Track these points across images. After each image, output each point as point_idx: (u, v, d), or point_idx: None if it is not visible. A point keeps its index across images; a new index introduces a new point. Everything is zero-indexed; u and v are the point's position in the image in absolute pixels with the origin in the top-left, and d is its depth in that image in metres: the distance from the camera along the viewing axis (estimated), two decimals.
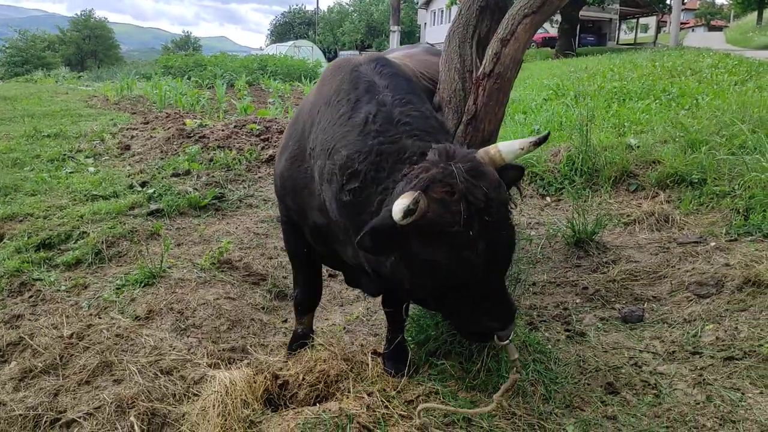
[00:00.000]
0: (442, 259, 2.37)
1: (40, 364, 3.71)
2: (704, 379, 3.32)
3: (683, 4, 46.22)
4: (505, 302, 2.61)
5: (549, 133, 2.69)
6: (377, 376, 3.30)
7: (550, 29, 40.76)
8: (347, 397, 3.09)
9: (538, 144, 2.52)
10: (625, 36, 56.95)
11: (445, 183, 2.32)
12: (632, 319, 4.15)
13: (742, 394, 3.14)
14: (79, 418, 3.22)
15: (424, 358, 3.57)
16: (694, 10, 78.94)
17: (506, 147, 2.51)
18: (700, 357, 3.55)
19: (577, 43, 38.47)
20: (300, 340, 3.66)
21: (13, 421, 3.29)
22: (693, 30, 70.07)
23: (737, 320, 3.82)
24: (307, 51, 46.80)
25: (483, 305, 2.56)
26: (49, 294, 4.65)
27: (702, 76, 11.71)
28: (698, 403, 3.13)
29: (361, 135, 2.74)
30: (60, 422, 3.25)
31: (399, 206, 2.21)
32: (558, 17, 36.47)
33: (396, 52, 4.84)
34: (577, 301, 4.58)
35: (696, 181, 5.88)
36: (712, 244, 4.93)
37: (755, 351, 3.41)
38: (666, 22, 51.47)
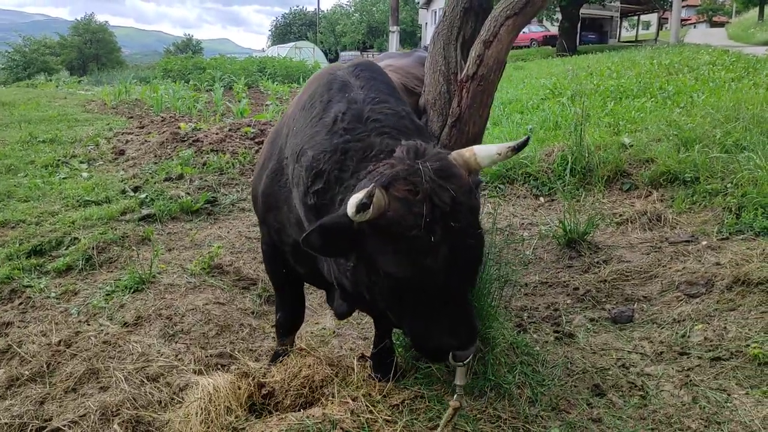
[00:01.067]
0: (399, 265, 2.18)
1: (27, 372, 3.70)
2: (691, 380, 3.30)
3: (684, 0, 46.17)
4: (467, 320, 2.36)
5: (528, 139, 2.46)
6: (363, 380, 3.28)
7: (551, 27, 40.69)
8: (332, 403, 3.07)
9: (516, 150, 2.33)
10: (627, 33, 56.87)
11: (409, 181, 2.14)
12: (622, 320, 4.14)
13: (728, 395, 3.12)
14: (64, 426, 3.21)
15: (410, 362, 3.56)
16: (696, 7, 78.74)
17: (482, 151, 2.33)
18: (687, 358, 3.54)
19: (578, 41, 38.40)
20: (280, 358, 3.49)
21: None
22: (695, 26, 69.94)
23: (726, 320, 3.80)
24: (308, 52, 46.79)
25: (441, 320, 2.33)
26: (39, 301, 4.65)
27: (699, 73, 11.68)
28: (684, 405, 3.11)
29: (329, 134, 2.61)
30: (45, 430, 3.25)
31: (353, 200, 2.04)
32: (558, 15, 36.43)
33: (388, 60, 4.82)
34: (568, 301, 4.56)
35: (689, 179, 5.86)
36: (704, 243, 4.91)
37: (742, 351, 3.40)
38: (668, 18, 51.36)
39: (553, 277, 4.98)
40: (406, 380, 3.37)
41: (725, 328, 3.72)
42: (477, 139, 3.49)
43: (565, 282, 4.84)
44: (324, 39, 73.74)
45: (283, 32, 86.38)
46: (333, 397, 3.11)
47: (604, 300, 4.48)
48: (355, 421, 2.93)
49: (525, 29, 41.76)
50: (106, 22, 77.50)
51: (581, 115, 6.73)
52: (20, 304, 4.65)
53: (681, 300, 4.23)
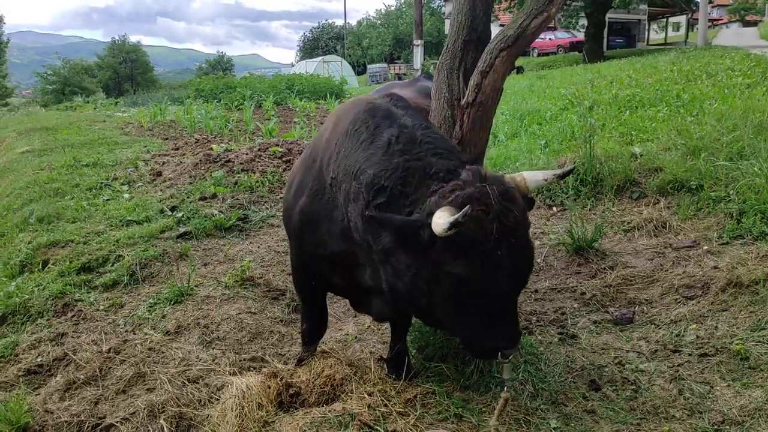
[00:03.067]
0: (470, 274, 2.53)
1: (82, 376, 4.15)
2: (680, 375, 3.61)
3: (711, 1, 45.68)
4: (515, 323, 2.82)
5: (573, 169, 2.96)
6: (379, 378, 3.64)
7: (578, 33, 40.60)
8: (351, 398, 3.44)
9: (562, 177, 2.80)
10: (656, 36, 56.27)
11: (482, 202, 2.49)
12: (623, 322, 4.44)
13: (711, 387, 3.42)
14: (117, 422, 3.64)
15: (423, 362, 3.92)
16: (727, 6, 77.43)
17: (531, 176, 2.78)
18: (679, 355, 3.83)
19: (605, 46, 38.22)
20: (304, 362, 3.86)
21: (60, 427, 3.73)
22: (727, 26, 68.84)
23: (718, 320, 4.09)
24: (336, 66, 47.31)
25: (495, 323, 2.73)
26: (90, 313, 5.12)
27: (717, 79, 11.83)
28: (671, 397, 3.42)
29: (386, 155, 2.91)
30: (100, 427, 3.68)
31: (443, 219, 2.40)
32: (584, 21, 36.37)
33: (393, 90, 5.21)
34: (575, 305, 4.87)
35: (694, 187, 6.11)
36: (705, 248, 5.18)
37: (727, 348, 3.68)
38: (698, 19, 50.85)
39: (562, 283, 5.29)
40: (419, 378, 3.73)
41: (716, 327, 4.01)
42: (478, 160, 3.85)
43: (573, 287, 5.15)
44: (351, 52, 74.48)
45: (311, 47, 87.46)
46: (352, 394, 3.48)
47: (608, 303, 4.78)
48: (371, 414, 3.29)
49: (551, 35, 41.83)
50: (140, 42, 79.57)
51: (591, 127, 7.00)
52: (73, 316, 5.12)
53: (679, 302, 4.52)
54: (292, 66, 64.04)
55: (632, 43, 45.81)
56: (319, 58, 54.16)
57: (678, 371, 3.64)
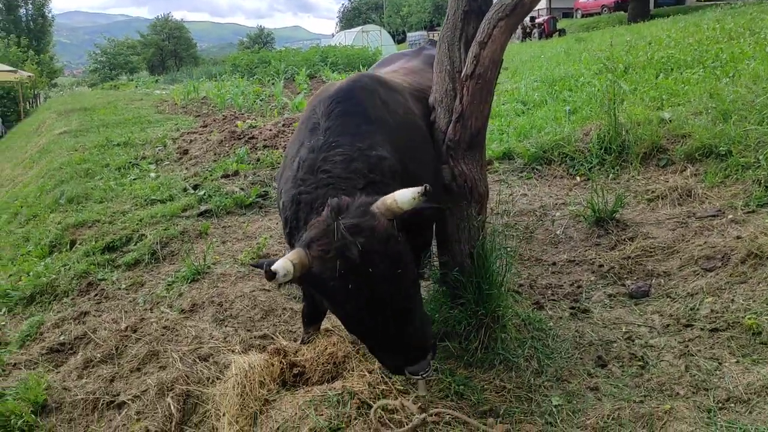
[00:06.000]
0: (332, 307, 2.75)
1: (99, 354, 4.28)
2: (689, 351, 3.51)
3: None
4: (409, 342, 2.76)
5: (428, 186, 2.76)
6: None
7: None
8: (352, 376, 3.46)
9: (424, 194, 2.67)
10: None
11: (321, 241, 2.59)
12: (638, 295, 4.33)
13: (719, 363, 3.32)
14: (128, 400, 3.76)
15: None
16: None
17: (401, 196, 2.69)
18: (691, 329, 3.72)
19: (652, 4, 36.69)
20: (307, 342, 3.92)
21: (76, 404, 3.87)
22: None
23: (735, 292, 3.94)
24: (375, 35, 46.86)
25: (385, 344, 2.79)
26: (112, 292, 5.26)
27: (760, 37, 11.27)
28: (678, 373, 3.33)
29: (293, 182, 3.07)
30: (114, 404, 3.80)
31: (280, 270, 2.47)
32: None
33: (399, 62, 5.11)
34: (592, 278, 4.77)
35: (723, 153, 5.86)
36: (729, 216, 4.98)
37: (739, 322, 3.56)
38: None
39: (580, 255, 5.17)
40: None
41: (732, 300, 3.87)
42: (479, 133, 3.77)
43: (591, 260, 5.03)
44: (390, 21, 73.65)
45: (351, 16, 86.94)
46: (353, 371, 3.49)
47: (626, 276, 4.66)
48: (371, 392, 3.29)
49: None
50: (183, 18, 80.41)
51: (615, 93, 6.78)
52: (96, 295, 5.27)
53: (698, 274, 4.37)
54: (332, 36, 63.78)
55: (681, 0, 43.89)
56: (359, 27, 53.68)
57: (688, 347, 3.54)
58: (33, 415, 3.76)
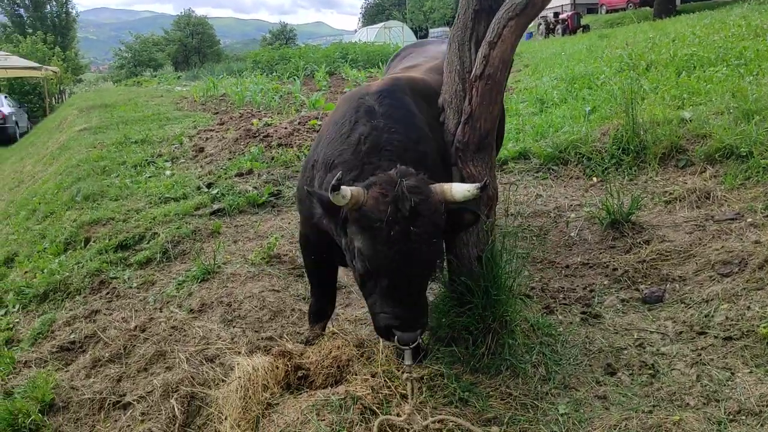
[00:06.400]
0: (364, 248, 2.85)
1: (107, 354, 4.30)
2: (701, 360, 3.42)
3: None
4: (411, 308, 2.92)
5: (487, 182, 3.13)
6: (386, 359, 3.60)
7: None
8: (356, 380, 3.42)
9: (482, 188, 2.98)
10: None
11: (383, 186, 2.84)
12: (651, 300, 4.24)
13: (732, 373, 3.22)
14: (134, 401, 3.76)
15: (434, 343, 3.85)
16: None
17: (457, 187, 2.99)
18: (704, 337, 3.63)
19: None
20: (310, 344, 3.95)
21: (83, 404, 3.89)
22: None
23: (751, 299, 3.84)
24: (397, 32, 46.66)
25: (389, 301, 2.89)
26: (123, 290, 5.28)
27: None
28: (689, 383, 3.24)
29: (354, 153, 3.27)
30: (120, 404, 3.81)
31: (343, 191, 2.73)
32: None
33: (429, 51, 5.12)
34: (605, 282, 4.67)
35: (744, 154, 5.71)
36: (748, 220, 4.85)
37: (754, 331, 3.45)
38: None
39: (594, 258, 5.08)
40: (428, 360, 3.67)
41: (748, 307, 3.76)
42: (488, 135, 3.69)
43: (605, 263, 4.93)
44: (413, 17, 73.40)
45: (373, 12, 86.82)
46: (357, 375, 3.45)
47: (640, 280, 4.56)
48: (374, 397, 3.26)
49: None
50: (206, 15, 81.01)
51: (631, 92, 6.65)
52: (107, 293, 5.30)
53: (714, 279, 4.26)
54: (355, 32, 63.70)
55: None
56: (381, 24, 53.59)
57: (700, 355, 3.45)
58: (40, 414, 3.78)
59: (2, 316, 5.50)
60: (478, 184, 2.97)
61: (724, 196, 5.36)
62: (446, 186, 2.98)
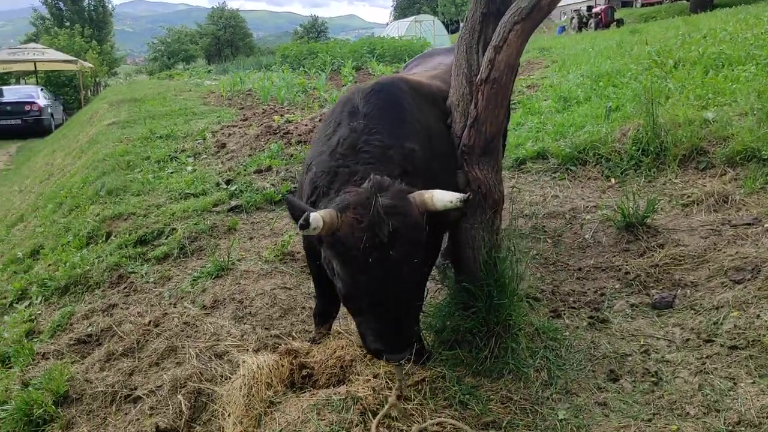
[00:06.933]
0: (342, 274, 2.78)
1: (121, 348, 4.41)
2: (705, 368, 3.38)
3: None
4: (397, 332, 2.84)
5: (471, 194, 2.99)
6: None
7: None
8: (357, 380, 3.46)
9: (465, 201, 2.82)
10: None
11: (357, 211, 2.68)
12: (661, 306, 4.20)
13: (735, 383, 3.19)
14: (144, 395, 3.86)
15: (438, 345, 3.87)
16: None
17: (439, 195, 2.83)
18: (710, 345, 3.59)
19: None
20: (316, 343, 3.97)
21: (96, 396, 4.00)
22: None
23: (761, 308, 3.78)
24: (428, 25, 46.42)
25: (374, 326, 2.85)
26: (140, 285, 5.40)
27: None
28: (690, 392, 3.22)
29: (330, 156, 3.18)
30: (131, 397, 3.91)
31: (313, 222, 2.57)
32: None
33: (439, 57, 5.13)
34: (616, 286, 4.64)
35: (766, 157, 5.61)
36: (766, 225, 4.77)
37: (759, 340, 3.41)
38: None
39: (607, 261, 5.04)
40: (431, 362, 3.69)
41: (758, 315, 3.71)
42: (494, 139, 3.69)
43: (617, 266, 4.89)
44: (445, 10, 72.97)
45: (405, 5, 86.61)
46: (359, 376, 3.49)
47: (651, 285, 4.51)
48: (375, 398, 3.29)
49: None
50: (238, 9, 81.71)
51: (656, 91, 6.55)
52: (125, 288, 5.42)
53: (725, 286, 4.20)
54: (386, 25, 63.56)
55: None
56: (412, 17, 53.36)
57: (705, 363, 3.42)
58: (54, 406, 3.89)
59: (26, 307, 5.66)
60: (461, 195, 2.82)
61: (743, 200, 5.27)
62: (427, 195, 2.83)
